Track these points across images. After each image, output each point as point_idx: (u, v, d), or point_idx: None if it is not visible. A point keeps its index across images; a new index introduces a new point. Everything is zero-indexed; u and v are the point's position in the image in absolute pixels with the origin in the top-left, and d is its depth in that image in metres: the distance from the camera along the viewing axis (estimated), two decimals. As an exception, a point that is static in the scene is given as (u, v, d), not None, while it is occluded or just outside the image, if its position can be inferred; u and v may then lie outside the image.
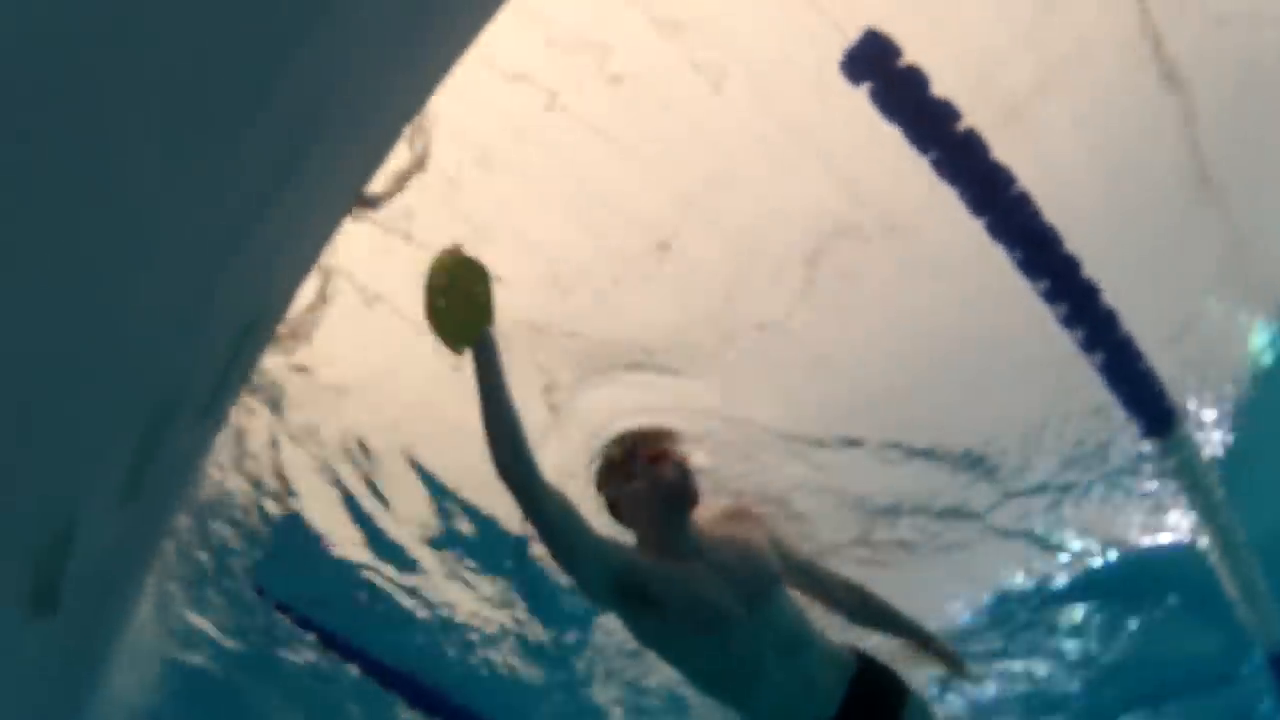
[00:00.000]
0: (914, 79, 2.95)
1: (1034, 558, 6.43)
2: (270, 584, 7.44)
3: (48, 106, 1.05)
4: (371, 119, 2.37)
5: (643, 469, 2.88)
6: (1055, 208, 3.50)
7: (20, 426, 1.51)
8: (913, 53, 3.03)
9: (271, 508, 7.11)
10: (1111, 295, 3.83)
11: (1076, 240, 3.65)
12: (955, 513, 5.71)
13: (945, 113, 2.97)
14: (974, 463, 5.30)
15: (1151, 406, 4.23)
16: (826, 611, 3.24)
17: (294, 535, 7.15)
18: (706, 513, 2.98)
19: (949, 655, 3.21)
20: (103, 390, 1.76)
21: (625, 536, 2.94)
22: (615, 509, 2.98)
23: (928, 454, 5.20)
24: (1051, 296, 3.47)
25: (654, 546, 2.83)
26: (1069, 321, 3.61)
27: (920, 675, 3.22)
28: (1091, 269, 3.70)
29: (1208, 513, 5.39)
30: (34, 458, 1.68)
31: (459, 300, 2.38)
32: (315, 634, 7.27)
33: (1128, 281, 4.16)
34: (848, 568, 5.83)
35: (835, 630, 3.48)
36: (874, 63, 2.91)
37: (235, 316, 2.34)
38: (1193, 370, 5.12)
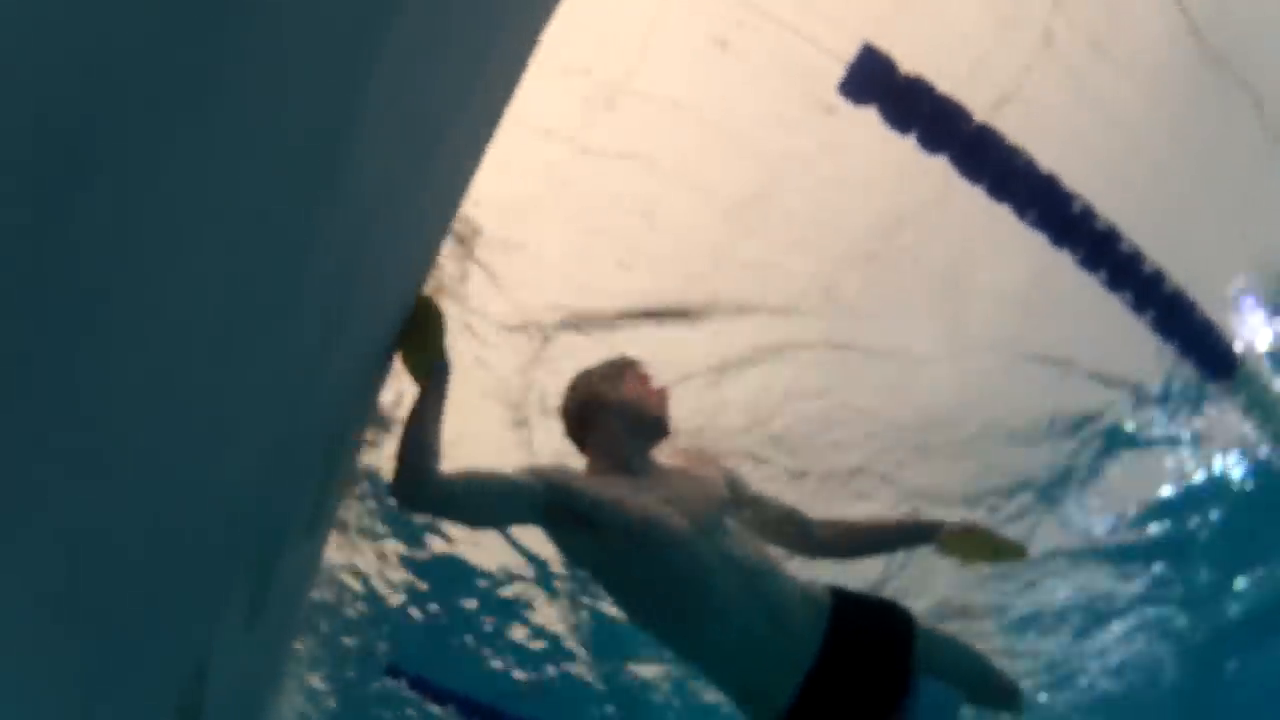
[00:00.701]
0: (917, 88, 2.94)
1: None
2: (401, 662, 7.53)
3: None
4: (426, 207, 2.43)
5: (632, 383, 2.78)
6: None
7: (153, 584, 1.55)
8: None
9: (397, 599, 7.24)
10: (1163, 218, 3.76)
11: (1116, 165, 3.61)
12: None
13: (955, 114, 2.94)
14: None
15: (1210, 352, 4.11)
16: (804, 556, 2.95)
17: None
18: (664, 456, 2.83)
19: (981, 534, 2.84)
20: (217, 533, 1.79)
21: (574, 461, 2.78)
22: (582, 420, 2.79)
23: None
24: (1091, 265, 3.39)
25: (607, 465, 2.67)
26: (1113, 286, 3.53)
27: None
28: (1135, 189, 3.64)
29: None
30: (168, 607, 1.72)
31: (413, 337, 2.47)
32: (455, 704, 7.26)
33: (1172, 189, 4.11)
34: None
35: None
36: (875, 82, 2.90)
37: (323, 433, 2.38)
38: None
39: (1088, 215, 3.29)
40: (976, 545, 2.86)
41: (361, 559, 6.90)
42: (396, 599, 7.26)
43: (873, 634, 2.57)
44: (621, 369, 2.82)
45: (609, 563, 2.54)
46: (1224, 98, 4.18)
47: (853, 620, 2.58)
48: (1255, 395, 4.92)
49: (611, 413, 2.72)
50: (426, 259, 2.67)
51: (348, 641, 7.64)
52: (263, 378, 1.69)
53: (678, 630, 2.59)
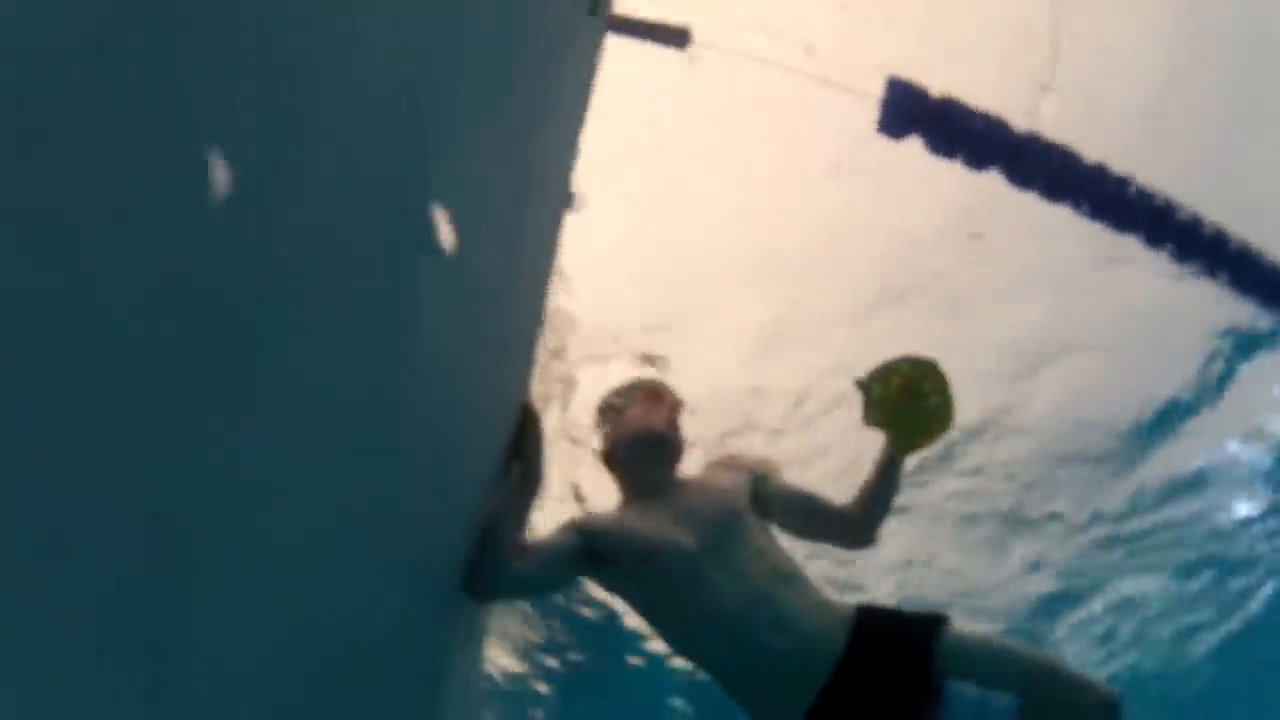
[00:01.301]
0: (952, 111, 2.95)
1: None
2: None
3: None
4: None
5: (635, 406, 2.79)
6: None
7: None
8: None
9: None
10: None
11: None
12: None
13: (994, 127, 2.94)
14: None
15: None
16: (847, 543, 2.76)
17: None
18: (697, 468, 2.82)
19: (897, 371, 2.61)
20: (384, 670, 1.86)
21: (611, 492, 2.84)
22: (605, 456, 2.85)
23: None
24: (1155, 242, 3.35)
25: (630, 491, 2.72)
26: (1179, 257, 3.48)
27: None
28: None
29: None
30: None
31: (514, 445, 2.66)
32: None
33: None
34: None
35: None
36: (910, 113, 2.92)
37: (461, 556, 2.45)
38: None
39: (1143, 196, 3.26)
40: (903, 403, 2.60)
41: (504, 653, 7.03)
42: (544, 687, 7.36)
43: (893, 646, 2.43)
44: (630, 394, 2.83)
45: (629, 589, 2.58)
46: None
47: (874, 635, 2.46)
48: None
49: (619, 446, 2.75)
50: (525, 373, 2.76)
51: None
52: (401, 522, 1.76)
53: (693, 647, 2.58)
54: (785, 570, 2.57)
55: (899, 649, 2.41)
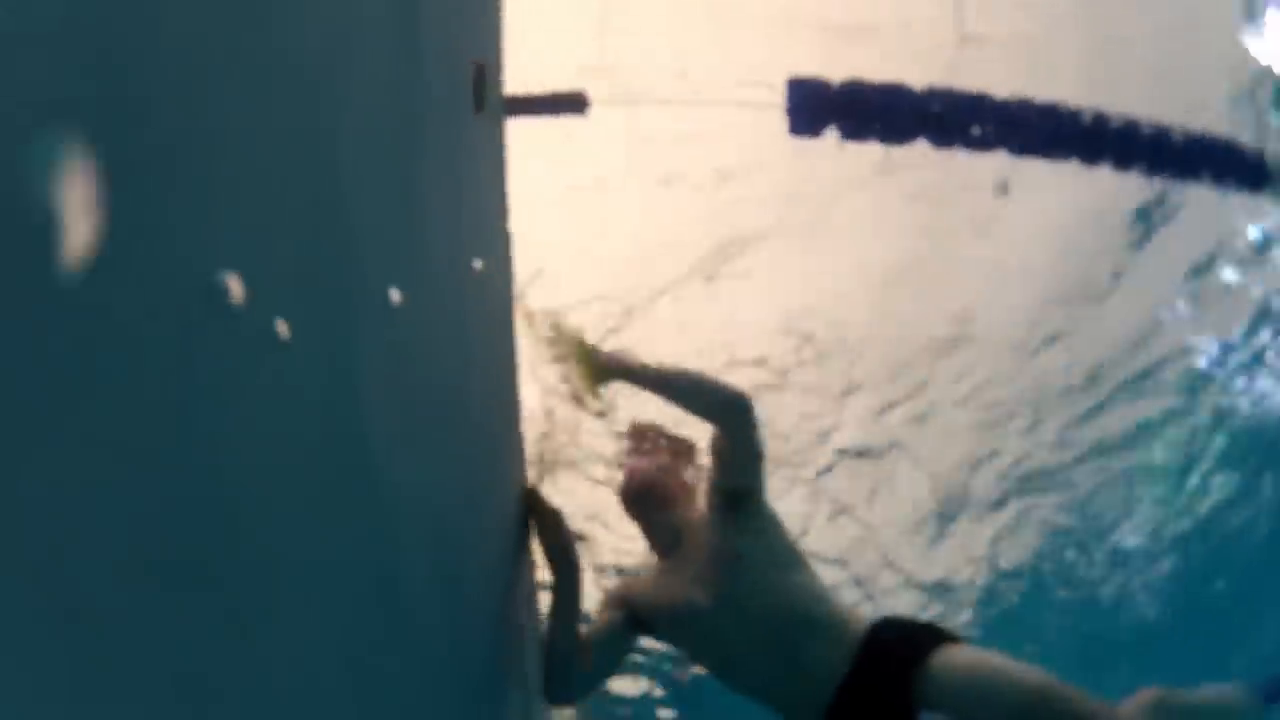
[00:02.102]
0: (858, 94, 2.94)
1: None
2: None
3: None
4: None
5: (623, 477, 2.91)
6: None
7: None
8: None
9: None
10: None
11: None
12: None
13: (902, 99, 2.93)
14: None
15: (1248, 174, 3.95)
16: (728, 430, 2.66)
17: None
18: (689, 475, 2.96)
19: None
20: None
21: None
22: None
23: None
24: (1122, 163, 3.29)
25: (650, 543, 2.88)
26: (1121, 166, 3.43)
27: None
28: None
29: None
30: None
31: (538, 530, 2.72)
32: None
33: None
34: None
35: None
36: (817, 108, 2.92)
37: (512, 649, 2.44)
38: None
39: (1071, 118, 3.24)
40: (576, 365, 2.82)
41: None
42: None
43: (882, 671, 2.42)
44: (624, 449, 2.96)
45: (668, 640, 2.78)
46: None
47: (869, 660, 2.47)
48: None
49: (624, 509, 2.91)
50: (517, 460, 2.77)
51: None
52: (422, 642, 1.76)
53: (721, 679, 2.75)
54: (798, 602, 2.59)
55: (886, 675, 2.40)
